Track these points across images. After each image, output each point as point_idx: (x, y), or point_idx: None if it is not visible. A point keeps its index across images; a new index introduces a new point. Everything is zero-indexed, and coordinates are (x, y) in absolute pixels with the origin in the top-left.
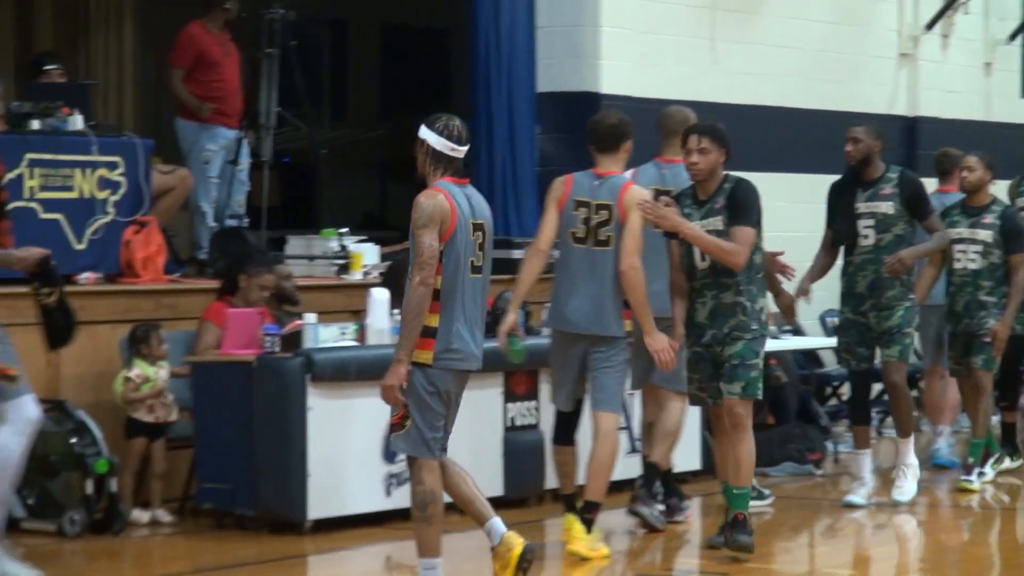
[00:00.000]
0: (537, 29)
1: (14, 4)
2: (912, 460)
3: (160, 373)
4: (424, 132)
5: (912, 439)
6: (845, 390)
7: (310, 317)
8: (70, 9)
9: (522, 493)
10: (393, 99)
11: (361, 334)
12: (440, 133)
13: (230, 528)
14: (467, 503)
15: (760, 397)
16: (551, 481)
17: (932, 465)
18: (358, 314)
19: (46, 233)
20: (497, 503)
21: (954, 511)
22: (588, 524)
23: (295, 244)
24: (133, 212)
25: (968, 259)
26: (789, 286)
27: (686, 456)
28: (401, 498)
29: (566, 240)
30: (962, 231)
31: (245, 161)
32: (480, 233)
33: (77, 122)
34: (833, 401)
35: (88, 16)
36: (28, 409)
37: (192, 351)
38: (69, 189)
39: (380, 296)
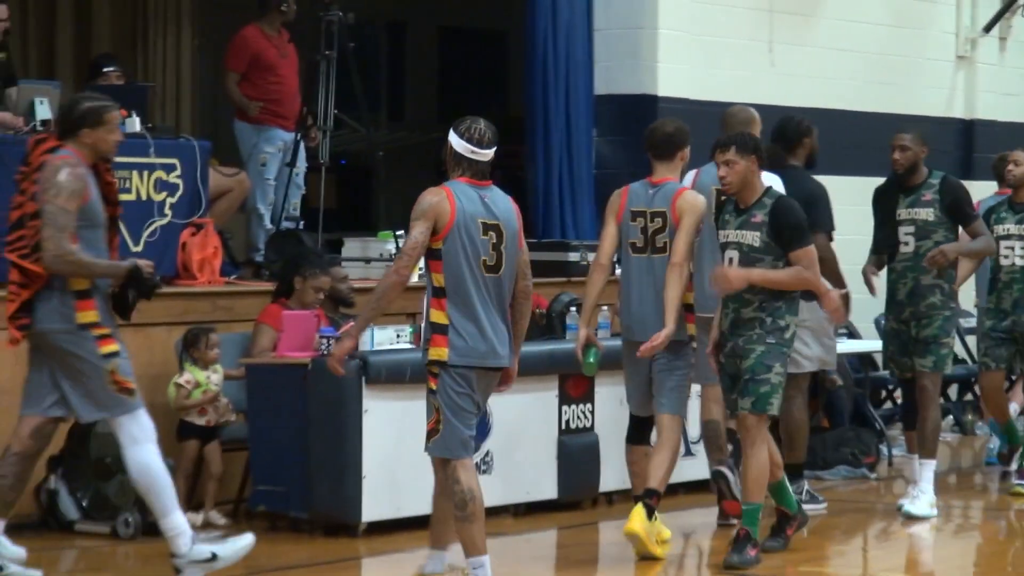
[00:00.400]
0: (595, 31)
1: (73, 7)
2: (928, 486)
3: (212, 377)
4: (450, 134)
5: (934, 463)
6: (900, 393)
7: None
8: (128, 11)
9: (576, 496)
10: (450, 101)
11: (417, 337)
12: (461, 135)
13: (284, 530)
14: (441, 519)
15: (774, 413)
16: (606, 484)
17: (986, 464)
18: (414, 316)
19: None
20: (551, 506)
21: (1008, 514)
22: (650, 510)
23: (351, 246)
24: (190, 214)
25: (1017, 255)
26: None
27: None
28: None
29: (626, 251)
30: (1009, 227)
31: (302, 164)
32: (494, 233)
33: (135, 124)
34: (888, 404)
35: (146, 18)
36: (147, 421)
37: (248, 353)
38: (126, 191)
39: None
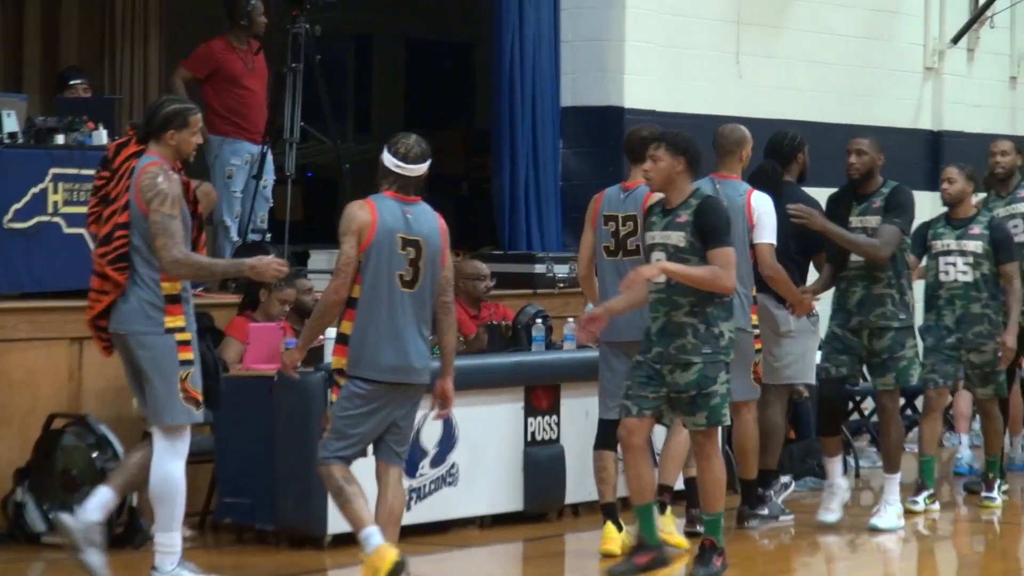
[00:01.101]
0: (561, 43)
1: (40, 19)
2: (894, 498)
3: None
4: (384, 149)
5: (899, 476)
6: (868, 404)
7: (331, 332)
8: (95, 24)
9: (542, 508)
10: (417, 114)
11: None
12: (390, 149)
13: (250, 542)
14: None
15: (727, 423)
16: (571, 496)
17: (954, 474)
18: None
19: (70, 247)
20: (517, 518)
21: (976, 525)
22: (662, 507)
23: (318, 258)
24: None
25: (959, 271)
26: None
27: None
28: (422, 512)
29: (600, 255)
30: (949, 243)
31: (269, 176)
32: (412, 248)
33: (102, 137)
34: (855, 416)
35: (114, 31)
36: (188, 438)
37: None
38: None
39: None
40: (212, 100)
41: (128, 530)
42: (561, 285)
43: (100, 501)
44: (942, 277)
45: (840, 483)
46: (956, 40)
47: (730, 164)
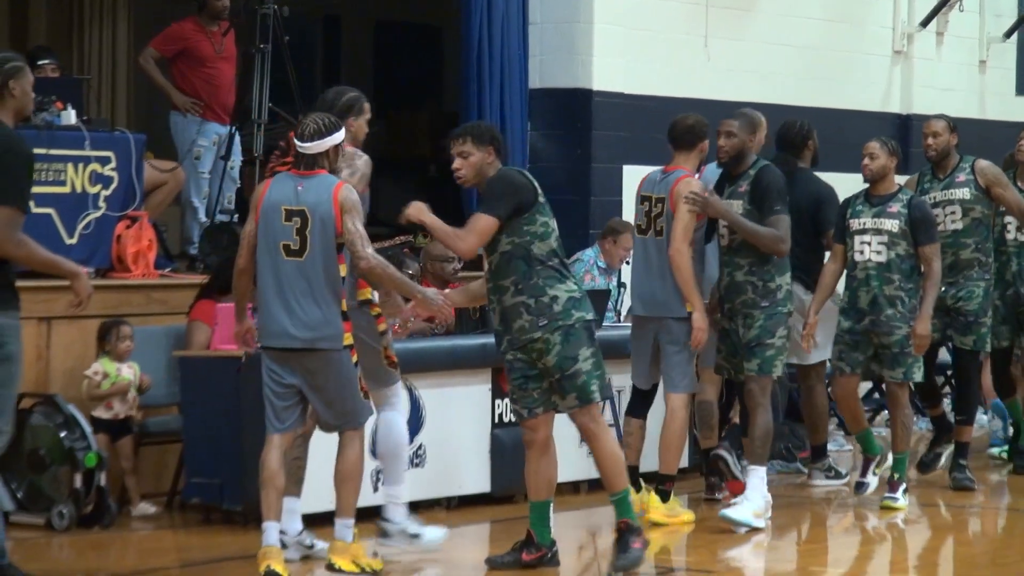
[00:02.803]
0: (530, 25)
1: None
2: (755, 493)
3: (123, 370)
4: None
5: (763, 469)
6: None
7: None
8: (64, 4)
9: (509, 490)
10: (386, 95)
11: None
12: (295, 130)
13: (218, 523)
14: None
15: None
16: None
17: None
18: None
19: (38, 227)
20: (484, 499)
21: (948, 510)
22: (665, 495)
23: None
24: (125, 207)
25: (873, 251)
26: None
27: None
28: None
29: (633, 232)
30: (865, 221)
31: (237, 157)
32: (298, 219)
33: (70, 117)
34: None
35: (82, 11)
36: (404, 393)
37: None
38: (61, 184)
39: None
40: (180, 81)
41: (97, 510)
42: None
43: (290, 510)
44: (856, 257)
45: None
46: (925, 23)
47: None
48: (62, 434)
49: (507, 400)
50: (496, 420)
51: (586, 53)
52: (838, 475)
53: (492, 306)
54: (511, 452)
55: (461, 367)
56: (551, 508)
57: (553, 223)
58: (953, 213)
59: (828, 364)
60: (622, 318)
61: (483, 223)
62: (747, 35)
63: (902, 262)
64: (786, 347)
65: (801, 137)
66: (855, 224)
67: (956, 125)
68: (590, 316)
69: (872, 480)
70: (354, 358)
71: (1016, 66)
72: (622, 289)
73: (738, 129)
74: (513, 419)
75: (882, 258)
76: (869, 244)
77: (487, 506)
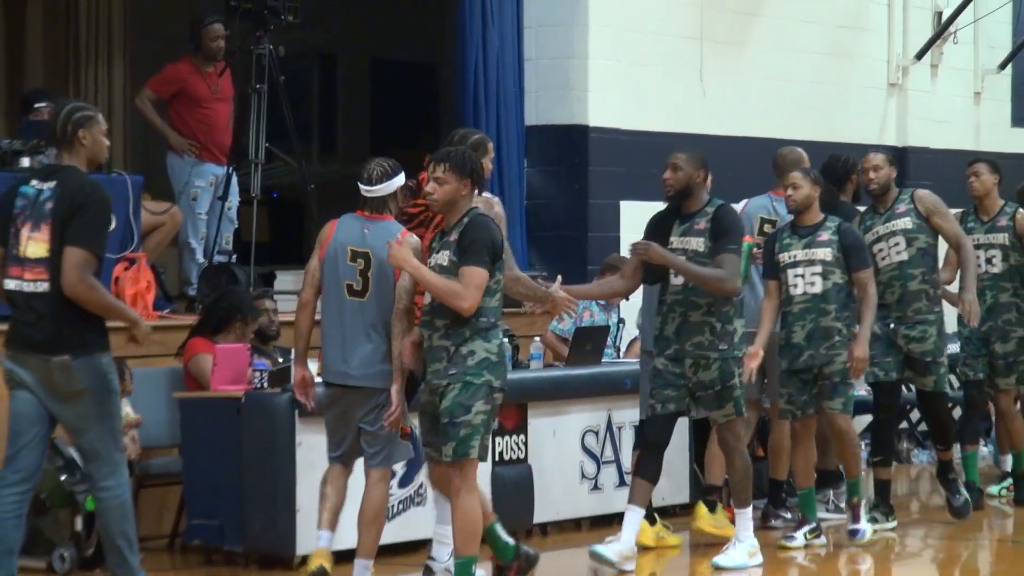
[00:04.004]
0: (525, 62)
1: (5, 41)
2: (748, 536)
3: (127, 409)
4: None
5: (748, 510)
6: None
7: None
8: (61, 47)
9: (510, 527)
10: (382, 134)
11: None
12: (359, 175)
13: (219, 564)
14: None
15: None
16: (539, 515)
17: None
18: None
19: None
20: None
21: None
22: (712, 505)
23: (284, 279)
24: (123, 249)
25: (807, 283)
26: None
27: (676, 489)
28: (391, 532)
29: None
30: (796, 254)
31: (234, 198)
32: (362, 260)
33: None
34: None
35: (78, 54)
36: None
37: (201, 385)
38: None
39: None
40: (176, 122)
41: (98, 553)
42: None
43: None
44: (792, 291)
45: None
46: (920, 56)
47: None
48: (62, 477)
49: (507, 437)
50: (497, 458)
51: (582, 89)
52: (838, 510)
53: (425, 341)
54: (512, 490)
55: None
56: (497, 528)
57: (502, 281)
58: (897, 244)
59: None
60: (621, 354)
61: (480, 278)
62: (742, 69)
63: (839, 291)
64: (742, 386)
65: (845, 171)
66: (785, 258)
67: (894, 159)
68: (497, 384)
69: (865, 527)
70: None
71: (1011, 97)
72: (621, 325)
73: (684, 163)
74: (513, 456)
75: (817, 289)
76: (803, 276)
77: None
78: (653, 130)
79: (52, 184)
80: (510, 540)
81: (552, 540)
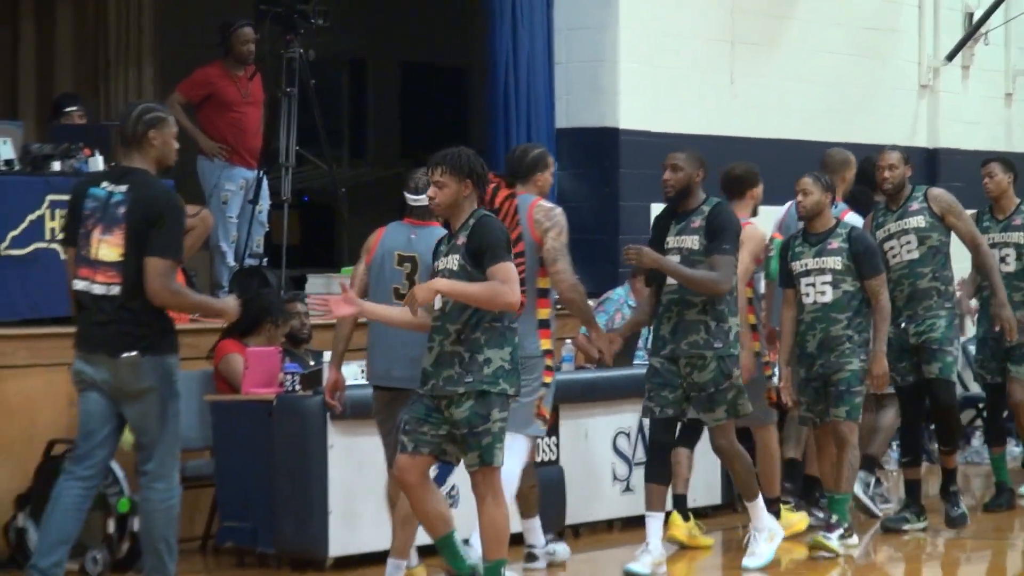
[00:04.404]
0: (555, 65)
1: (35, 46)
2: (764, 523)
3: None
4: None
5: (759, 500)
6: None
7: (329, 355)
8: (90, 51)
9: (543, 529)
10: (412, 137)
11: None
12: (405, 185)
13: (251, 566)
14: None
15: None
16: (572, 516)
17: None
18: None
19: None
20: (517, 539)
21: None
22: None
23: (315, 282)
24: None
25: (817, 292)
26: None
27: (708, 490)
28: (423, 534)
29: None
30: (807, 262)
31: (265, 201)
32: (409, 264)
33: (98, 163)
34: None
35: (108, 58)
36: (529, 447)
37: (233, 386)
38: None
39: None
40: (207, 126)
41: (130, 555)
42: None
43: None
44: (804, 300)
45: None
46: (951, 57)
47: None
48: None
49: (540, 440)
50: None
51: (612, 92)
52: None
53: (431, 344)
54: (544, 491)
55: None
56: (454, 537)
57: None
58: (908, 243)
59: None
60: None
61: (513, 271)
62: (773, 71)
63: (850, 299)
64: (742, 385)
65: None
66: (797, 266)
67: (909, 156)
68: (512, 391)
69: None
70: None
71: None
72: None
73: (684, 163)
74: (545, 458)
75: (827, 298)
76: (814, 285)
77: (521, 546)
78: (683, 132)
79: (124, 188)
80: (468, 558)
81: (584, 542)
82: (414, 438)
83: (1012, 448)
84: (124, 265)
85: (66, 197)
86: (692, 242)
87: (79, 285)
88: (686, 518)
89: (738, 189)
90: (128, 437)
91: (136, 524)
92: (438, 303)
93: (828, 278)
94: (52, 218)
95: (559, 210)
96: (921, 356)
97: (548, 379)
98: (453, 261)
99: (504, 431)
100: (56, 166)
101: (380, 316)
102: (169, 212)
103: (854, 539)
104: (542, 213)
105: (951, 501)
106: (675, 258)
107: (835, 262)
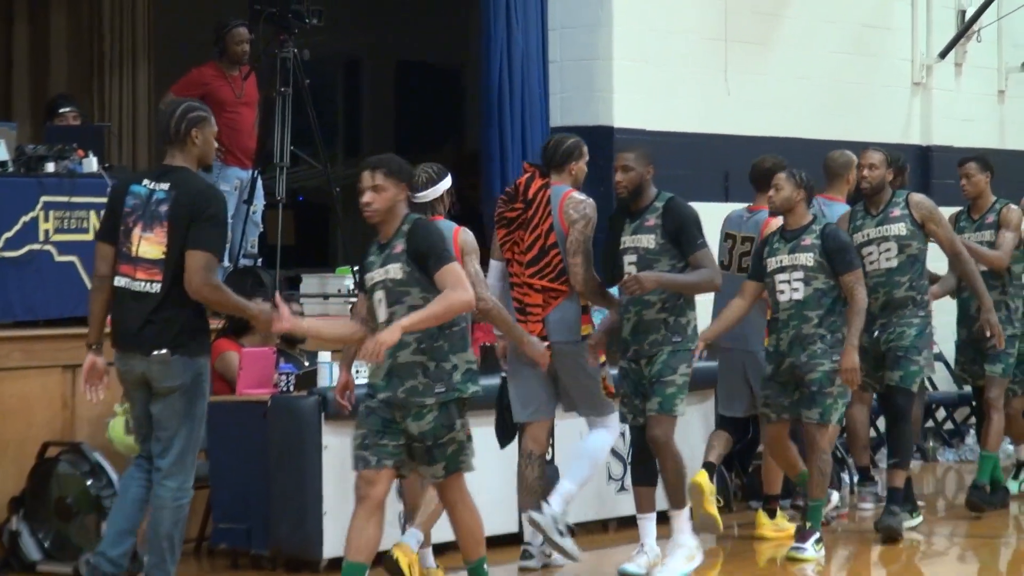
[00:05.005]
0: (550, 63)
1: (29, 47)
2: (686, 540)
3: None
4: None
5: (686, 512)
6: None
7: (324, 356)
8: (84, 52)
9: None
10: (407, 136)
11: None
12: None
13: (246, 568)
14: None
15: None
16: (568, 516)
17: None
18: None
19: (61, 275)
20: (513, 539)
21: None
22: (771, 513)
23: (310, 282)
24: None
25: (792, 289)
26: None
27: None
28: (437, 535)
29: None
30: (782, 259)
31: (259, 201)
32: None
33: (92, 164)
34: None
35: (102, 58)
36: (618, 420)
37: (231, 385)
38: (84, 231)
39: None
40: None
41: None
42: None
43: (561, 494)
44: (779, 297)
45: (652, 544)
46: (944, 55)
47: (838, 186)
48: (88, 482)
49: None
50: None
51: (606, 90)
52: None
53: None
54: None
55: (488, 406)
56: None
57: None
58: (888, 251)
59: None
60: None
61: (460, 269)
62: (767, 69)
63: (822, 296)
64: (687, 385)
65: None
66: (772, 263)
67: (892, 159)
68: (477, 389)
69: (810, 550)
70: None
71: None
72: None
73: (634, 162)
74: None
75: (800, 295)
76: (788, 283)
77: (515, 546)
78: (678, 131)
79: (166, 186)
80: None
81: (580, 541)
82: (376, 452)
83: (1006, 446)
84: (166, 263)
85: (61, 199)
86: (648, 240)
87: (120, 282)
88: (772, 515)
89: (767, 181)
90: (121, 437)
91: None
92: (383, 315)
93: (800, 275)
94: (46, 219)
95: (590, 203)
96: (887, 362)
97: (601, 358)
98: (395, 270)
99: (470, 435)
100: (50, 167)
101: (314, 333)
102: (211, 207)
103: (822, 551)
104: (572, 205)
105: (889, 511)
106: (632, 257)
107: (807, 259)
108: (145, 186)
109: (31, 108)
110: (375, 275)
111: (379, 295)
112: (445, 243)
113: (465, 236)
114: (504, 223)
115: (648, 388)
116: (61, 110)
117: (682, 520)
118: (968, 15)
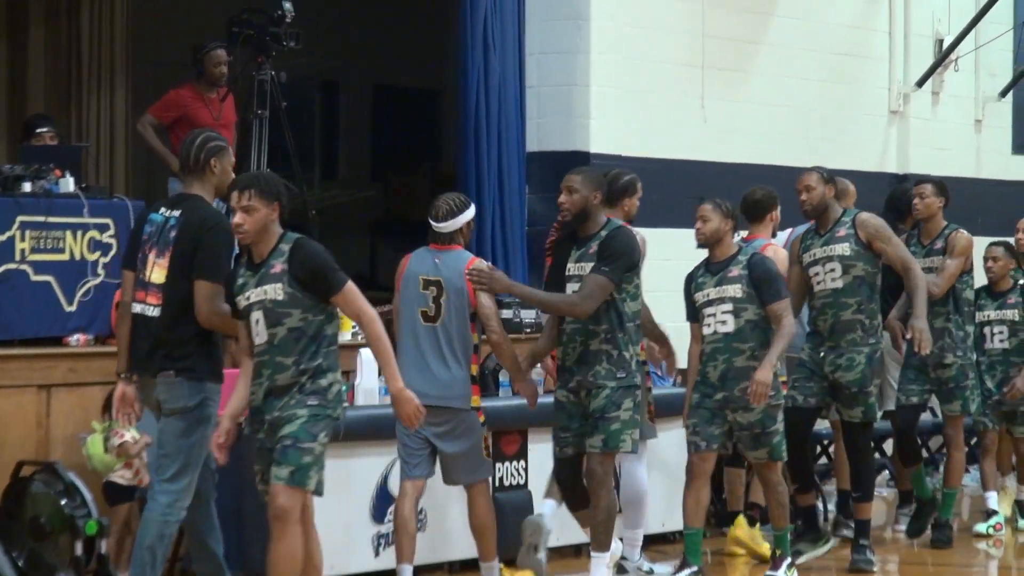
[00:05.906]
0: (527, 89)
1: (7, 66)
2: None
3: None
4: None
5: (606, 556)
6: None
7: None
8: (62, 72)
9: (512, 553)
10: (384, 160)
11: (350, 395)
12: (429, 212)
13: None
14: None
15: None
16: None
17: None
18: (347, 375)
19: (37, 295)
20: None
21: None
22: (752, 521)
23: None
24: None
25: (718, 322)
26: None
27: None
28: (390, 558)
29: None
30: (709, 292)
31: None
32: (434, 288)
33: (68, 184)
34: (823, 460)
35: (80, 79)
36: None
37: None
38: (60, 251)
39: (369, 357)
40: (175, 142)
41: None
42: (528, 331)
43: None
44: (705, 331)
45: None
46: (921, 83)
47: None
48: (63, 501)
49: (508, 464)
50: (497, 483)
51: (583, 116)
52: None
53: (260, 380)
54: (511, 515)
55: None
56: None
57: None
58: (832, 271)
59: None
60: None
61: (352, 284)
62: (743, 96)
63: (753, 328)
64: (635, 420)
65: (907, 201)
66: (700, 297)
67: (831, 178)
68: (341, 416)
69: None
70: (481, 419)
71: (1012, 125)
72: None
73: (580, 185)
74: (513, 482)
75: (729, 328)
76: (715, 315)
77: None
78: (654, 156)
79: (178, 213)
80: None
81: (552, 567)
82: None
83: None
84: (166, 287)
85: (38, 218)
86: (590, 269)
87: (136, 308)
88: (752, 523)
89: (758, 213)
90: (100, 454)
91: (103, 546)
92: (263, 337)
93: (729, 307)
94: (22, 239)
95: (641, 238)
96: (840, 399)
97: (648, 383)
98: (274, 291)
99: (323, 455)
100: (27, 187)
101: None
102: (213, 235)
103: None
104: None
105: (858, 550)
106: (574, 286)
107: (735, 290)
108: (161, 214)
109: (8, 128)
110: (251, 295)
111: (256, 315)
112: (332, 260)
113: (479, 264)
114: (549, 244)
115: (591, 423)
116: (38, 130)
117: (601, 566)
118: (946, 44)
